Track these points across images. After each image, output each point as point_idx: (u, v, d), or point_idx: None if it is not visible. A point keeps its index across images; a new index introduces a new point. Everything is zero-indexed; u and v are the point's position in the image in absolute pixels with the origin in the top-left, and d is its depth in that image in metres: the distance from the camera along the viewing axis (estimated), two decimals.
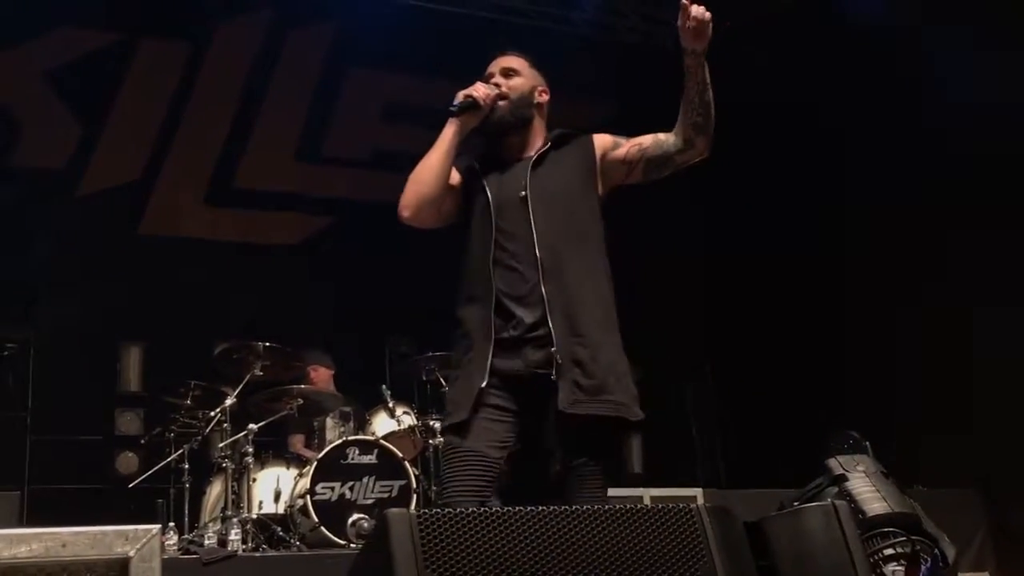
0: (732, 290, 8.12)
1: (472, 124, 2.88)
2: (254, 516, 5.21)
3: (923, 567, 3.80)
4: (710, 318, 8.45)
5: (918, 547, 3.85)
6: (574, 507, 1.93)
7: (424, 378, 6.08)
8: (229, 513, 5.12)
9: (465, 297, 2.83)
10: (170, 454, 5.73)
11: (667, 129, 2.89)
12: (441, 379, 5.77)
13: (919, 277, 6.62)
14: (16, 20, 6.91)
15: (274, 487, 5.46)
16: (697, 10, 2.72)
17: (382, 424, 5.83)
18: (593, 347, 2.70)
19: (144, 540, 1.67)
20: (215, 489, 5.71)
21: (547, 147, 2.92)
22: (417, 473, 5.46)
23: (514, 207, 2.81)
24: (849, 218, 7.31)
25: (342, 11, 7.72)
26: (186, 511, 5.56)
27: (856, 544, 2.11)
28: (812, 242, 7.42)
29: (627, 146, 2.94)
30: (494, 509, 1.84)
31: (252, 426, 5.39)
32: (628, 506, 1.95)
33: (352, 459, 5.30)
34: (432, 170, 2.81)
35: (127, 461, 6.79)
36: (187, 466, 5.64)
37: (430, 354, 5.88)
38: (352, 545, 4.97)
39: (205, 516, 5.66)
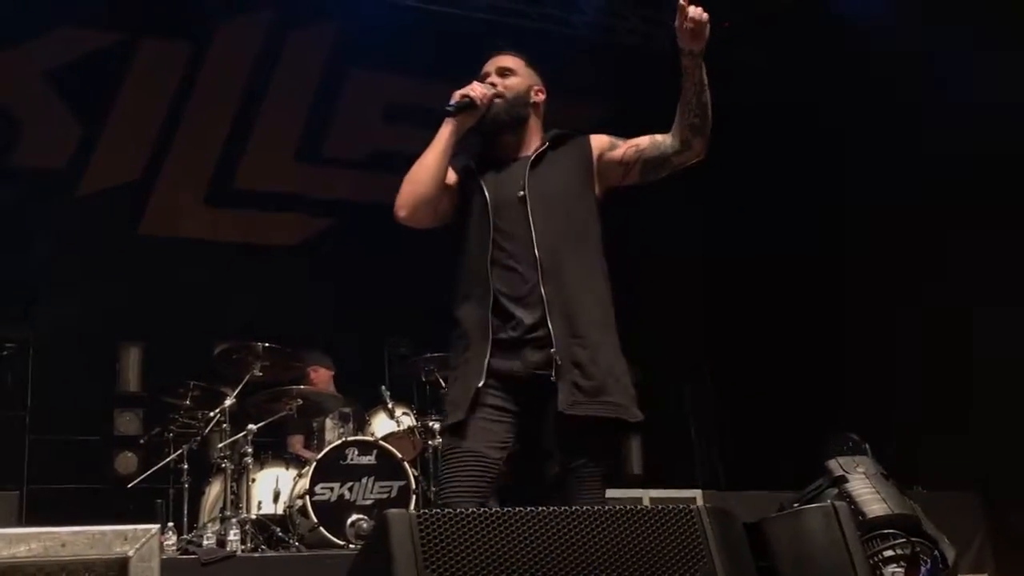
0: (731, 291, 8.12)
1: (469, 124, 2.88)
2: (253, 516, 5.21)
3: (923, 569, 3.79)
4: (709, 319, 8.45)
5: (918, 549, 3.85)
6: (574, 508, 1.93)
7: (423, 379, 6.07)
8: (228, 513, 5.11)
9: (462, 297, 2.82)
10: (169, 454, 5.73)
11: (665, 130, 2.89)
12: (440, 380, 5.77)
13: (919, 277, 6.62)
14: (16, 20, 6.90)
15: (273, 487, 5.46)
16: (695, 11, 2.72)
17: (381, 425, 5.83)
18: (592, 348, 2.70)
19: (143, 540, 1.67)
20: (214, 489, 5.71)
21: (545, 147, 2.92)
22: (416, 474, 5.46)
23: (512, 207, 2.80)
24: (849, 218, 7.32)
25: (342, 12, 7.72)
26: (185, 511, 5.55)
27: (856, 546, 2.11)
28: (812, 242, 7.42)
29: (624, 147, 2.94)
30: (494, 509, 1.84)
31: (251, 426, 5.39)
32: (628, 507, 1.95)
33: (351, 460, 5.30)
34: (429, 170, 2.80)
35: (126, 461, 6.79)
36: (186, 466, 5.63)
37: (429, 355, 5.88)
38: (351, 546, 4.97)
39: (204, 516, 5.66)
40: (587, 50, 7.95)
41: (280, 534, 5.18)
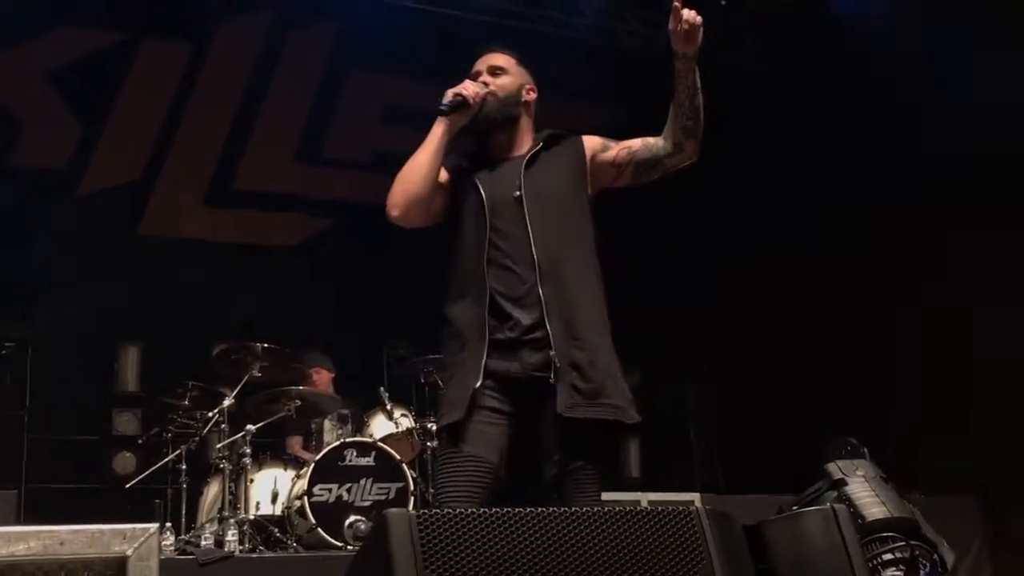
0: (730, 293, 8.12)
1: (461, 123, 2.87)
2: (251, 517, 5.21)
3: (922, 572, 3.79)
4: (709, 321, 8.45)
5: (917, 552, 3.85)
6: (574, 508, 1.94)
7: (422, 380, 6.07)
8: (226, 514, 5.11)
9: (455, 296, 2.81)
10: (167, 454, 5.72)
11: (658, 133, 2.89)
12: (439, 382, 5.76)
13: (919, 277, 6.62)
14: (17, 20, 6.90)
15: (271, 488, 5.45)
16: (689, 14, 2.73)
17: (380, 426, 5.83)
18: (591, 351, 2.70)
19: (142, 539, 1.67)
20: (212, 490, 5.70)
21: (539, 147, 2.91)
22: (415, 475, 5.46)
23: (508, 207, 2.79)
24: (849, 218, 7.31)
25: (343, 13, 7.72)
26: (183, 512, 5.55)
27: (855, 549, 2.11)
28: (812, 242, 7.42)
29: (616, 149, 2.94)
30: (494, 510, 1.84)
31: (250, 427, 5.38)
32: (628, 508, 1.95)
33: (350, 461, 5.29)
34: (422, 168, 2.79)
35: (124, 461, 6.78)
36: (184, 467, 5.62)
37: (428, 356, 5.88)
38: (349, 547, 4.97)
39: (202, 517, 5.66)
40: (587, 52, 7.95)
41: (278, 535, 5.18)
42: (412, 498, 5.30)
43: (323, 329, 7.21)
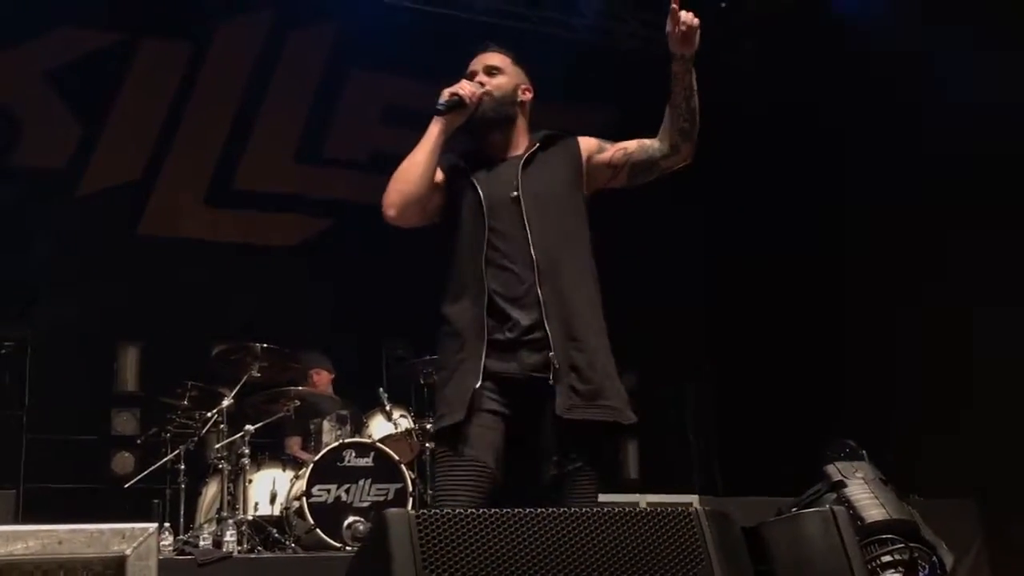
0: (729, 294, 8.12)
1: (458, 123, 2.86)
2: (250, 518, 5.20)
3: (921, 574, 3.79)
4: (707, 322, 8.45)
5: (916, 554, 3.84)
6: (573, 509, 1.93)
7: (421, 381, 6.07)
8: (225, 514, 5.10)
9: (453, 295, 2.80)
10: (166, 454, 5.72)
11: (651, 134, 2.90)
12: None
13: (919, 277, 6.62)
14: (17, 20, 6.90)
15: (270, 489, 5.45)
16: (686, 16, 2.73)
17: (379, 427, 5.83)
18: (590, 352, 2.70)
19: (141, 539, 1.67)
20: (211, 490, 5.70)
21: (535, 148, 2.91)
22: (413, 476, 5.46)
23: (506, 207, 2.79)
24: (849, 218, 7.31)
25: (343, 13, 7.72)
26: (181, 512, 5.55)
27: (854, 550, 2.11)
28: (812, 243, 7.42)
29: (612, 150, 2.94)
30: (493, 510, 1.84)
31: (249, 427, 5.38)
32: (627, 509, 1.95)
33: (348, 462, 5.29)
34: (418, 168, 2.78)
35: (123, 461, 6.78)
36: (183, 467, 5.63)
37: (427, 357, 5.87)
38: (348, 548, 4.97)
39: (200, 517, 5.65)
40: (587, 54, 7.95)
41: (276, 535, 5.18)
42: (411, 499, 5.30)
43: (322, 329, 7.21)
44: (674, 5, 2.72)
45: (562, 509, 1.92)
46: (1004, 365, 5.93)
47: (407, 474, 5.35)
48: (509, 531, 1.81)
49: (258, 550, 5.01)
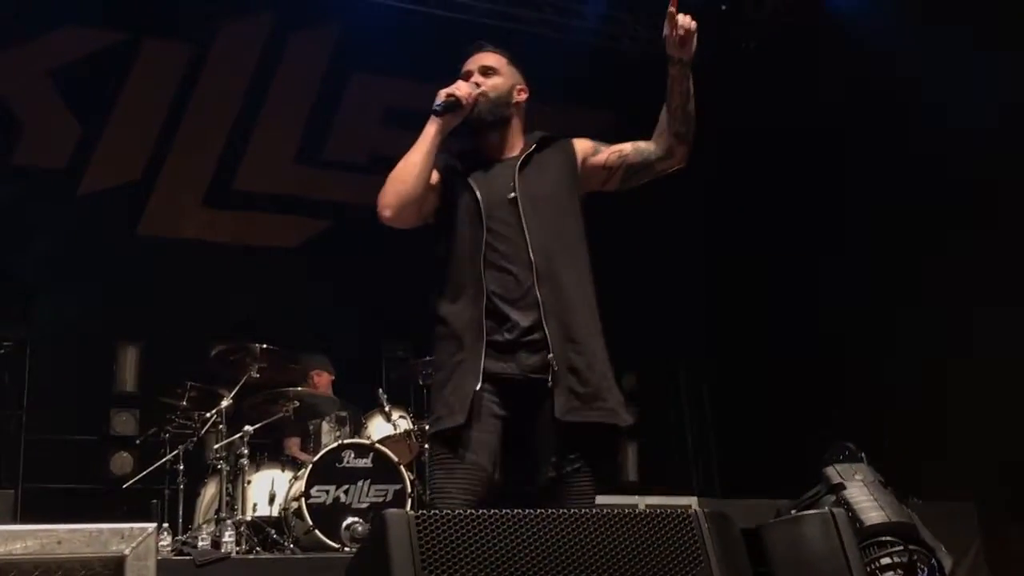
0: (728, 297, 8.12)
1: (454, 124, 2.85)
2: (248, 518, 5.20)
3: None
4: (707, 325, 8.45)
5: (915, 556, 3.85)
6: (572, 510, 1.93)
7: (420, 382, 6.08)
8: (223, 515, 5.10)
9: (450, 296, 2.79)
10: (165, 455, 5.73)
11: (647, 137, 2.90)
12: None
13: (919, 277, 6.61)
14: (18, 19, 6.91)
15: (269, 489, 5.45)
16: (684, 19, 2.73)
17: (378, 428, 5.83)
18: (588, 354, 2.71)
19: (140, 539, 1.67)
20: (209, 490, 5.70)
21: (532, 149, 2.91)
22: (412, 477, 5.45)
23: (503, 208, 2.79)
24: (848, 218, 7.31)
25: (344, 15, 7.73)
26: (180, 512, 5.55)
27: (854, 553, 2.11)
28: (811, 243, 7.42)
29: (607, 152, 2.94)
30: (492, 511, 1.84)
31: (248, 428, 5.38)
32: (627, 510, 1.95)
33: (347, 463, 5.29)
34: (414, 169, 2.78)
35: (122, 461, 6.77)
36: (182, 467, 5.63)
37: (427, 359, 5.86)
38: (346, 549, 4.96)
39: (199, 517, 5.65)
40: (588, 56, 7.96)
41: (275, 536, 5.18)
42: (410, 500, 5.29)
43: (321, 331, 7.21)
44: (672, 8, 2.73)
45: (561, 510, 1.92)
46: (1004, 366, 5.92)
47: (406, 475, 5.35)
48: (508, 532, 1.81)
49: (256, 551, 5.01)
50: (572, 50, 7.84)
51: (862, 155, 7.17)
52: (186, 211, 7.70)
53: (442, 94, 2.84)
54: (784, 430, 7.16)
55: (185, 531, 5.43)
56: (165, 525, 5.11)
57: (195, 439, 5.69)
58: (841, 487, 4.16)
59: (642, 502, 5.76)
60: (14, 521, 5.43)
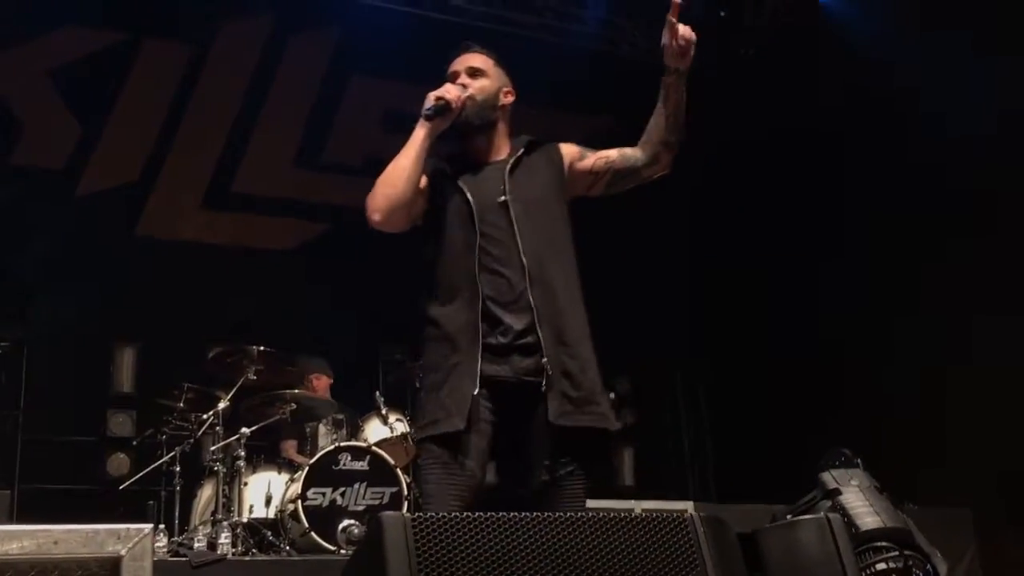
0: (724, 301, 8.12)
1: (443, 127, 2.84)
2: (244, 520, 5.21)
3: None
4: (703, 330, 8.45)
5: (910, 562, 3.85)
6: (568, 513, 1.93)
7: (417, 385, 6.05)
8: (220, 517, 5.11)
9: (442, 298, 2.78)
10: (162, 456, 5.73)
11: (634, 144, 2.91)
12: None
13: (917, 284, 6.61)
14: (18, 20, 6.91)
15: (265, 492, 5.45)
16: (684, 30, 2.74)
17: (375, 431, 5.83)
18: (580, 358, 2.72)
19: (136, 539, 1.67)
20: (206, 492, 5.70)
21: (520, 153, 2.91)
22: (409, 480, 5.45)
23: (494, 212, 2.79)
24: (847, 225, 7.31)
25: (344, 18, 7.73)
26: (176, 514, 5.55)
27: (849, 558, 2.12)
28: (808, 250, 7.42)
29: (594, 158, 2.95)
30: (489, 514, 1.84)
31: (244, 430, 5.39)
32: (622, 514, 1.95)
33: (344, 465, 5.29)
34: (404, 172, 2.77)
35: (118, 462, 6.77)
36: (178, 468, 5.63)
37: (423, 362, 5.86)
38: (342, 551, 4.96)
39: (195, 519, 5.65)
40: (588, 62, 7.96)
41: (271, 538, 5.18)
42: (406, 502, 5.30)
43: (319, 333, 7.21)
44: (671, 17, 2.73)
45: (557, 513, 1.92)
46: (1003, 374, 5.93)
47: (402, 478, 5.35)
48: (505, 535, 1.81)
49: (253, 553, 5.01)
50: (571, 55, 7.84)
51: (861, 162, 7.17)
52: (185, 212, 7.70)
53: (431, 97, 2.83)
54: (781, 435, 7.16)
55: (181, 532, 5.43)
56: (161, 526, 5.12)
57: (192, 441, 5.70)
58: (837, 492, 4.16)
59: (638, 506, 5.75)
60: (11, 521, 5.43)
